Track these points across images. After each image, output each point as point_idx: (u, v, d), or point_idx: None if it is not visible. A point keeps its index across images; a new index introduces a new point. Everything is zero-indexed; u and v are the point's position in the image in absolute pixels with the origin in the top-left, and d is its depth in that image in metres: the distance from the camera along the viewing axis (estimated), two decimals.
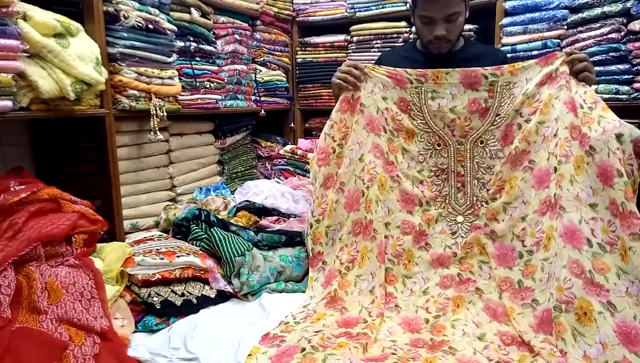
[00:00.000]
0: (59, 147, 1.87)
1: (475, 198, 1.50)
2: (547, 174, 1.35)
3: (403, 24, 2.57)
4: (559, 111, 1.36)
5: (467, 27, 2.36)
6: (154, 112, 1.83)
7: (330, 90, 2.07)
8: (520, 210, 1.39)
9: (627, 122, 1.44)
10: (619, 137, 1.22)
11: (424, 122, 1.54)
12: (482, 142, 1.50)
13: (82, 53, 1.48)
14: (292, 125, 2.99)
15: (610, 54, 1.96)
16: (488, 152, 1.50)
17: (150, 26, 1.81)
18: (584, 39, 2.02)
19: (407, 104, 1.54)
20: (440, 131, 1.53)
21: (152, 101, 1.84)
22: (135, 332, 1.27)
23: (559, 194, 1.28)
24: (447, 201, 1.52)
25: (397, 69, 1.54)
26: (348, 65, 1.53)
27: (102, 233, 1.49)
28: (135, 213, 1.94)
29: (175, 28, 1.97)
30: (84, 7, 1.64)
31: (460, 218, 1.50)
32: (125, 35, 1.73)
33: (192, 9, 2.09)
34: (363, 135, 1.52)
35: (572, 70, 1.38)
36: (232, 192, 2.40)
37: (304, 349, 1.14)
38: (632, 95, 1.95)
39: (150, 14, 1.82)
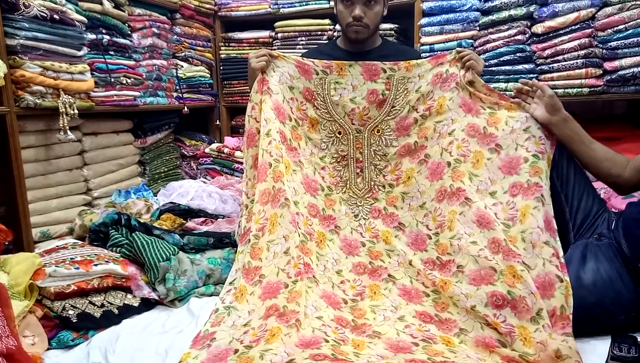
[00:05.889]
0: None
1: (373, 183, 1.63)
2: (440, 167, 1.49)
3: (327, 21, 2.60)
4: (455, 113, 1.52)
5: (387, 26, 2.44)
6: (63, 109, 1.72)
7: None
8: (417, 199, 1.53)
9: None
10: (526, 130, 1.41)
11: (326, 111, 1.63)
12: (378, 131, 1.63)
13: None
14: (217, 122, 2.91)
15: (517, 54, 2.12)
16: (384, 140, 1.63)
17: (56, 16, 1.69)
18: (494, 40, 2.16)
19: (312, 93, 1.63)
20: (341, 120, 1.63)
21: (60, 98, 1.73)
22: (49, 349, 1.18)
23: (460, 187, 1.42)
24: (347, 186, 1.64)
25: (306, 59, 1.63)
26: (259, 50, 1.62)
27: (6, 243, 1.38)
28: (45, 220, 1.82)
29: (84, 19, 1.86)
30: None
31: (360, 202, 1.62)
32: (27, 25, 1.61)
33: (104, 0, 1.97)
34: (270, 113, 1.55)
35: (461, 62, 1.53)
36: (155, 194, 2.30)
37: (237, 350, 1.11)
38: None
39: (55, 3, 1.70)
